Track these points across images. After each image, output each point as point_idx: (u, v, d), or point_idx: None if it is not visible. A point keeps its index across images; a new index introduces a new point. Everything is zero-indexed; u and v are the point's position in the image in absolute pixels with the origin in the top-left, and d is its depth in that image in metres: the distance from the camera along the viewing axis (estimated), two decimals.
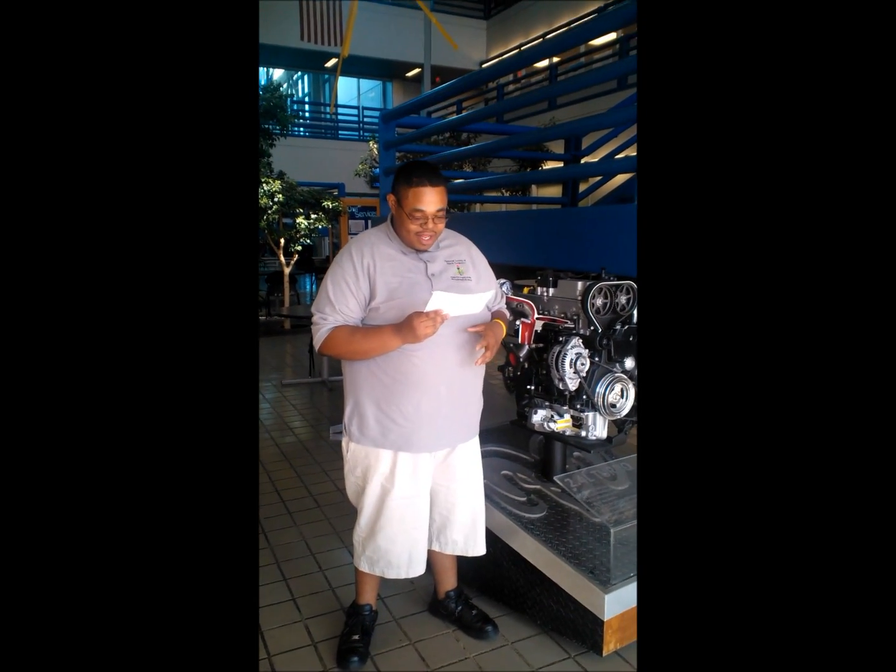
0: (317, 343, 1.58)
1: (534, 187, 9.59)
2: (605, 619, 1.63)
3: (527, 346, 1.93)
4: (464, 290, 1.60)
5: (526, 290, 2.11)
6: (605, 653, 1.67)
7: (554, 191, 8.71)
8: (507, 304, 2.01)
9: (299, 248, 7.51)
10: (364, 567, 1.72)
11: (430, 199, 1.51)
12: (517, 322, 2.00)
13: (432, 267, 1.59)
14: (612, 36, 9.67)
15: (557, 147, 5.99)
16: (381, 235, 1.62)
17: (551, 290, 2.01)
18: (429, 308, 1.39)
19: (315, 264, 10.61)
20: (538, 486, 2.11)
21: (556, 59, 10.95)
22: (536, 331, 1.97)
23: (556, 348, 1.82)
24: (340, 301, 1.55)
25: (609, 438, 1.94)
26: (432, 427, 1.61)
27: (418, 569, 1.70)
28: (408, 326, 1.42)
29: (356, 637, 1.75)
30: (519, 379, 2.05)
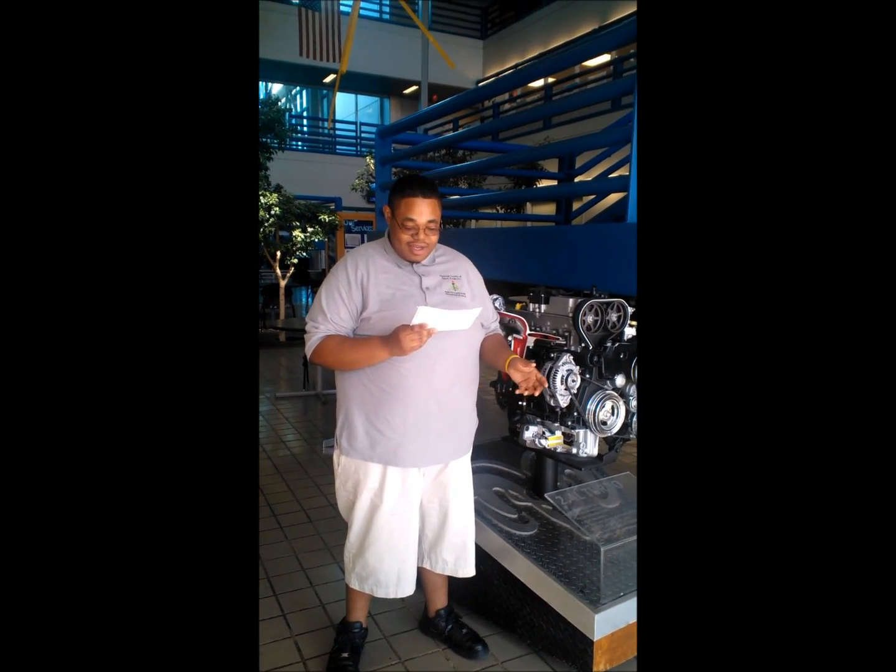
0: (308, 351, 1.61)
1: (528, 205, 9.67)
2: (594, 639, 1.62)
3: None
4: (457, 306, 1.61)
5: (518, 307, 2.12)
6: None
7: (547, 208, 8.77)
8: (499, 320, 2.02)
9: (295, 260, 7.53)
10: (354, 584, 1.71)
11: (422, 210, 1.54)
12: (509, 338, 2.01)
13: (427, 281, 1.61)
14: (606, 57, 9.82)
15: (551, 165, 6.05)
16: (378, 248, 1.65)
17: (543, 307, 2.03)
18: (414, 322, 1.40)
19: (311, 277, 10.63)
20: (529, 504, 2.11)
21: (551, 80, 11.09)
22: (528, 347, 1.98)
23: (548, 365, 1.83)
24: (332, 311, 1.57)
25: (600, 456, 1.95)
26: (420, 441, 1.61)
27: (407, 589, 1.69)
28: (394, 339, 1.43)
29: (345, 655, 1.74)
30: (510, 395, 2.06)
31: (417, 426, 1.59)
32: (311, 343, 1.59)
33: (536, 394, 1.64)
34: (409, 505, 1.67)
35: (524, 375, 1.60)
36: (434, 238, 1.59)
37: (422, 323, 1.40)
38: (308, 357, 1.62)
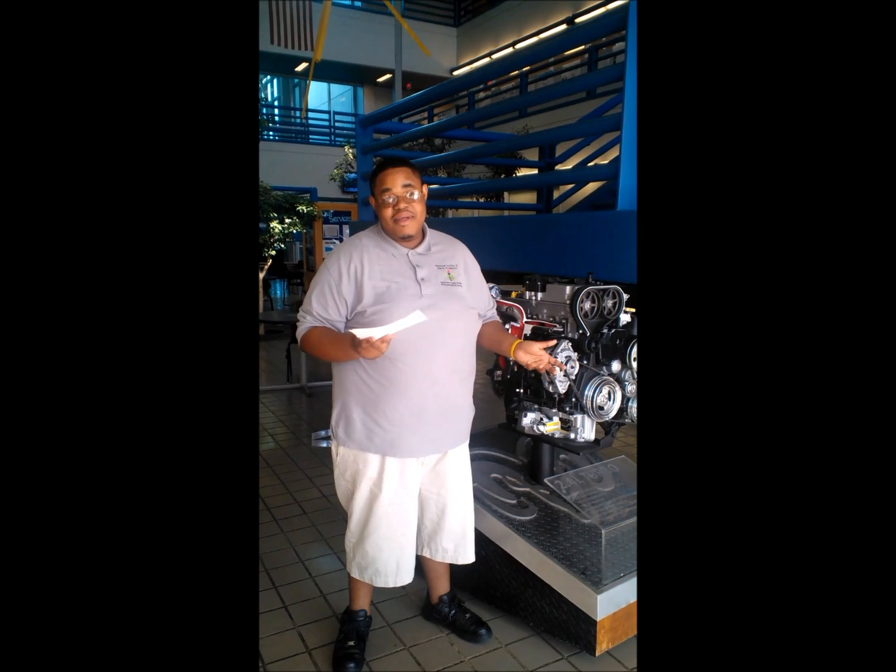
0: (297, 338, 1.66)
1: (505, 193, 9.68)
2: (597, 620, 1.66)
3: None
4: (453, 296, 1.62)
5: (514, 295, 2.13)
6: (597, 653, 1.69)
7: (525, 197, 8.80)
8: (496, 308, 2.03)
9: (273, 252, 7.43)
10: (355, 573, 1.72)
11: (395, 178, 1.57)
12: (506, 325, 2.02)
13: (422, 271, 1.60)
14: (580, 46, 9.83)
15: (531, 154, 6.07)
16: (372, 236, 1.64)
17: (539, 295, 2.04)
18: (361, 337, 1.38)
19: (287, 269, 10.52)
20: (527, 489, 2.14)
21: (525, 68, 11.09)
22: (525, 335, 2.00)
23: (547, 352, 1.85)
24: (321, 304, 1.59)
25: (597, 440, 1.98)
26: (419, 432, 1.61)
27: (406, 577, 1.71)
28: (356, 350, 1.42)
29: (352, 643, 1.75)
30: (508, 382, 2.08)
31: (415, 418, 1.60)
32: (299, 332, 1.63)
33: (554, 373, 1.73)
34: (408, 494, 1.67)
35: (536, 357, 1.65)
36: (419, 208, 1.60)
37: (368, 337, 1.37)
38: (298, 345, 1.66)
